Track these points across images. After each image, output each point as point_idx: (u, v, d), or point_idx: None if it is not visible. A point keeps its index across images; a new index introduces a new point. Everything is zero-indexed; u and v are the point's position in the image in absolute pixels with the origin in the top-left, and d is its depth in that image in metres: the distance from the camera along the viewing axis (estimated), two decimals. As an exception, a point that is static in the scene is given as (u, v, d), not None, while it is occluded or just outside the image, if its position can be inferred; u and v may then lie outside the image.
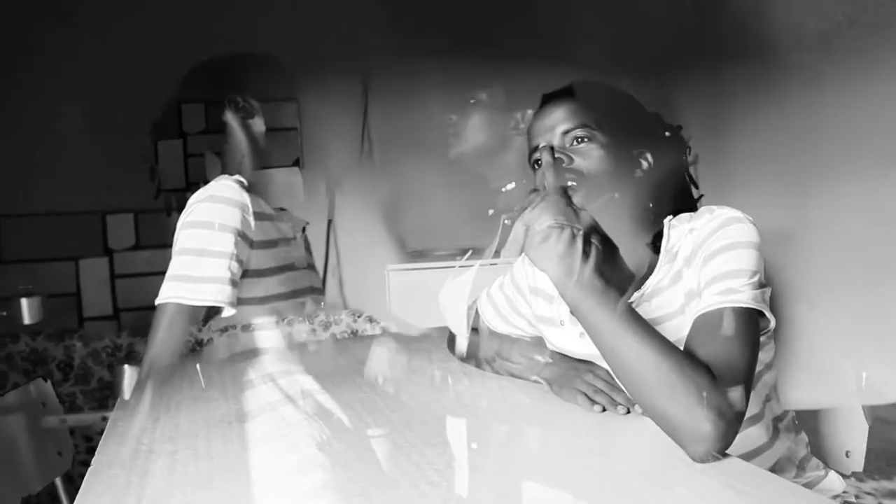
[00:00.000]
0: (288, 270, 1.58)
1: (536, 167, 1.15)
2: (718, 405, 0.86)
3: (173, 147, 2.56)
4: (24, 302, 2.25)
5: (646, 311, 1.09)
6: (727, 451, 0.88)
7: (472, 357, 1.40)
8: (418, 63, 3.04)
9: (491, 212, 1.01)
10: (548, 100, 1.18)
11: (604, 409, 1.07)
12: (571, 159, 1.11)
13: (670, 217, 1.14)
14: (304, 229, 1.87)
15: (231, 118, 1.89)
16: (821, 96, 2.46)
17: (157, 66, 2.65)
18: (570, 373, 1.15)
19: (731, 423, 0.86)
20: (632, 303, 1.10)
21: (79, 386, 2.22)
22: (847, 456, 1.20)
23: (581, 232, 0.95)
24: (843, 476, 1.19)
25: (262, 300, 1.52)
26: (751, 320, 0.96)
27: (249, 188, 1.55)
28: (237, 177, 1.56)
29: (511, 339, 1.35)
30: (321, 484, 0.89)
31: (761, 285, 0.99)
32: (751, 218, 1.06)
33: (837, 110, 2.39)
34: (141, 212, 2.71)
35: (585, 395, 1.10)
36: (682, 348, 0.96)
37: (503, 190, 1.12)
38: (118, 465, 0.99)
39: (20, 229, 2.55)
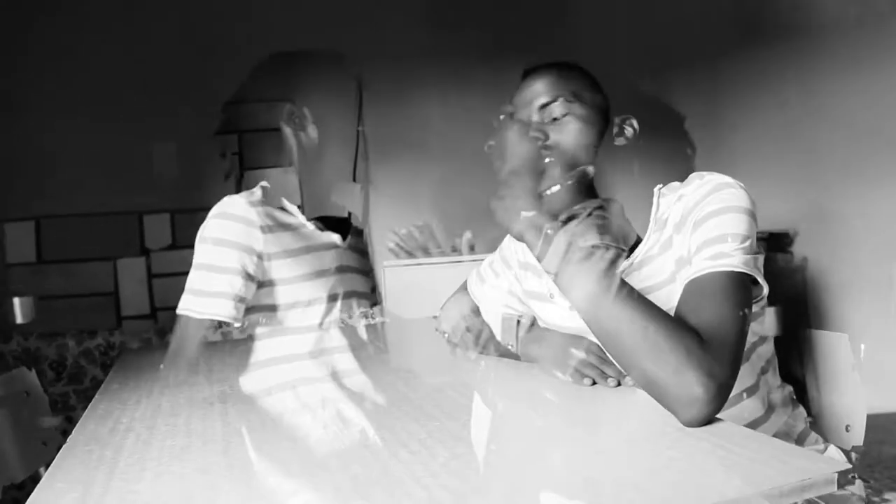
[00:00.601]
0: (321, 276, 1.58)
1: None
2: (708, 368, 0.83)
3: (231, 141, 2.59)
4: (16, 301, 2.23)
5: (636, 279, 1.07)
6: (718, 416, 0.85)
7: (461, 337, 1.37)
8: (414, 63, 3.04)
9: (531, 214, 0.98)
10: (527, 74, 1.18)
11: (594, 383, 1.05)
12: (547, 136, 1.10)
13: (660, 185, 1.12)
14: (361, 233, 1.91)
15: (284, 127, 1.91)
16: (821, 86, 2.44)
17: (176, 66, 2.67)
18: (558, 349, 1.12)
19: (721, 386, 0.83)
20: (622, 272, 1.08)
21: (72, 385, 2.20)
22: (847, 430, 1.16)
23: (624, 253, 0.97)
24: (844, 451, 1.16)
25: (290, 306, 1.52)
26: (741, 285, 0.93)
27: (267, 201, 1.60)
28: (251, 191, 1.61)
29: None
30: (297, 452, 0.86)
31: (754, 251, 0.96)
32: (742, 184, 1.03)
33: (838, 100, 2.37)
34: (177, 211, 2.72)
35: (576, 369, 1.07)
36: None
37: (547, 192, 1.09)
38: (94, 441, 0.96)
39: (59, 230, 2.56)
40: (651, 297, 0.96)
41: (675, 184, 1.11)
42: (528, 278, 1.28)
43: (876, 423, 1.23)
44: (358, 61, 2.94)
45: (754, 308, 1.00)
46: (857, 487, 1.08)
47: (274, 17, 2.86)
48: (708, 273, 0.94)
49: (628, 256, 1.10)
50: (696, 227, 1.00)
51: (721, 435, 0.81)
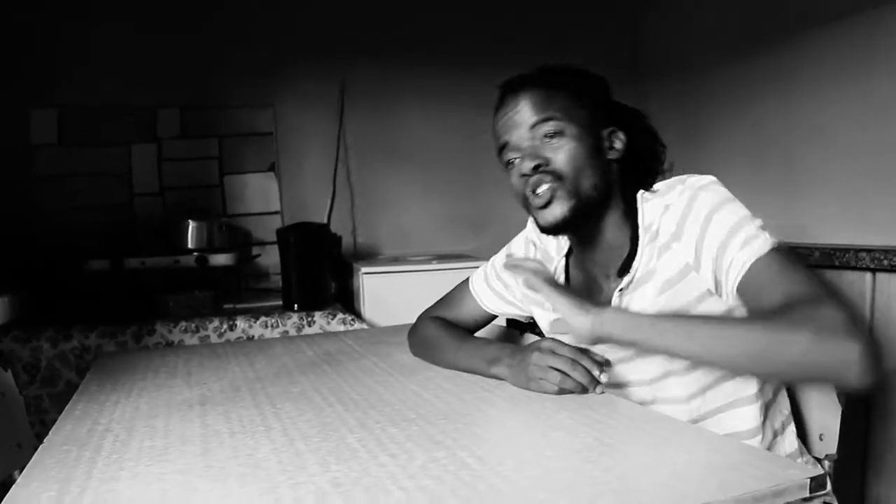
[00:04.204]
0: None
1: (509, 166, 1.13)
2: (832, 322, 0.79)
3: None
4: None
5: (643, 292, 1.08)
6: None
7: (428, 351, 1.37)
8: (395, 70, 3.05)
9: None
10: (510, 89, 1.13)
11: (561, 391, 1.04)
12: (547, 161, 1.08)
13: (641, 191, 1.12)
14: None
15: None
16: (795, 97, 2.48)
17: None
18: (520, 363, 1.11)
19: (853, 326, 0.79)
20: (622, 289, 1.10)
21: (45, 389, 2.17)
22: (821, 439, 1.18)
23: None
24: (818, 460, 1.18)
25: None
26: (786, 252, 0.94)
27: None
28: None
29: (466, 337, 1.33)
30: (277, 454, 0.86)
31: (763, 227, 0.98)
32: (715, 178, 1.06)
33: (812, 110, 2.41)
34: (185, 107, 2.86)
35: (539, 380, 1.07)
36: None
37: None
38: (72, 442, 0.96)
39: (80, 118, 2.76)
40: (665, 297, 1.04)
41: (658, 187, 1.11)
42: None
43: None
44: (339, 68, 2.96)
45: None
46: (829, 496, 1.10)
47: (251, 22, 2.85)
48: (754, 262, 0.93)
49: (627, 270, 1.10)
50: (702, 236, 1.00)
51: (696, 440, 0.83)
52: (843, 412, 1.17)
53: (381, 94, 3.08)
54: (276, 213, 2.95)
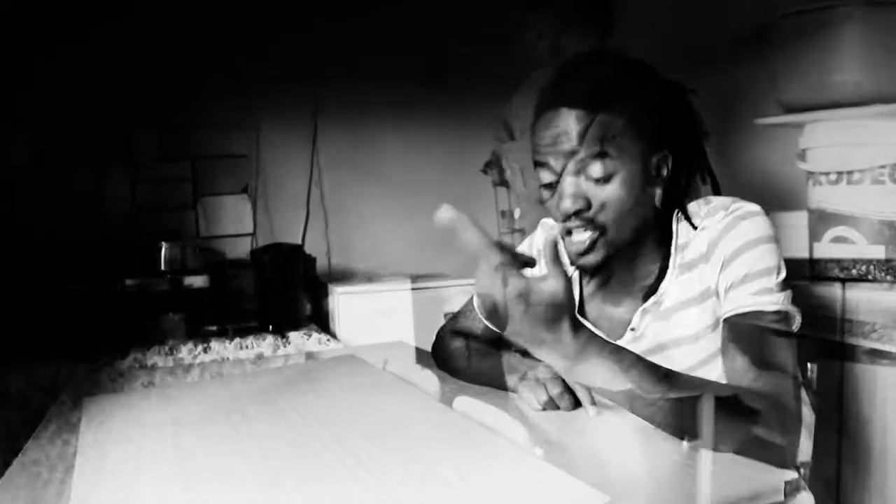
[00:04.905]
0: None
1: (548, 189, 1.03)
2: (789, 426, 0.88)
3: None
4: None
5: (665, 312, 1.07)
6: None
7: (458, 365, 1.31)
8: (368, 92, 3.06)
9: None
10: (562, 96, 0.99)
11: (545, 408, 1.03)
12: (589, 205, 0.99)
13: (678, 211, 1.08)
14: None
15: None
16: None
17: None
18: (524, 378, 1.08)
19: (795, 428, 0.89)
20: (646, 310, 1.08)
21: (15, 413, 2.14)
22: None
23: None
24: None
25: None
26: (782, 322, 0.96)
27: None
28: None
29: (487, 352, 1.26)
30: (253, 472, 0.85)
31: (787, 285, 0.98)
32: (762, 209, 1.03)
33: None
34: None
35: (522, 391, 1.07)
36: (700, 340, 1.01)
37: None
38: (42, 463, 0.94)
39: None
40: (680, 317, 1.03)
41: (693, 208, 1.08)
42: None
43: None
44: (313, 90, 2.97)
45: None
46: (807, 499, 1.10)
47: (226, 43, 2.85)
48: (754, 312, 0.95)
49: (654, 291, 1.07)
50: (726, 264, 0.99)
51: (671, 447, 0.83)
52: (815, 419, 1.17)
53: (354, 115, 3.08)
54: (249, 234, 2.94)
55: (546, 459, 0.84)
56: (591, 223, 0.99)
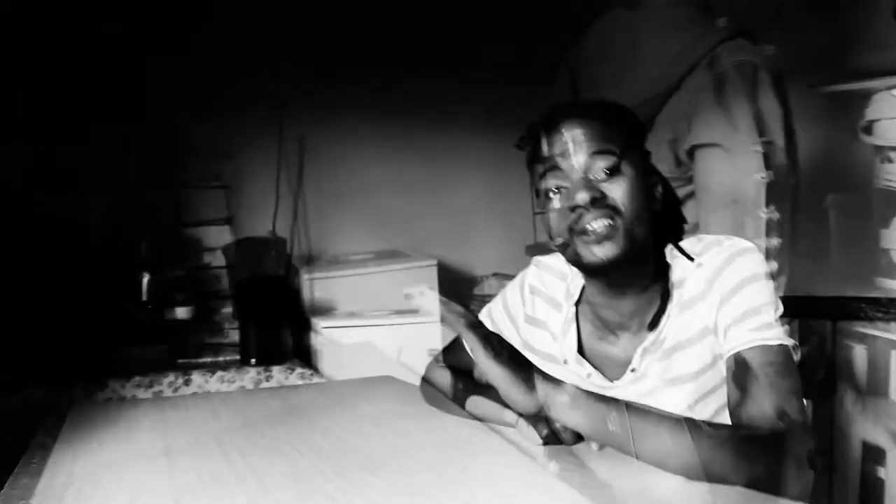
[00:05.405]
0: None
1: (551, 196, 1.06)
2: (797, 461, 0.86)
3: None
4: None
5: (666, 351, 1.06)
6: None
7: (449, 400, 1.26)
8: (353, 125, 3.07)
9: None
10: (566, 114, 1.06)
11: (547, 443, 1.00)
12: (605, 195, 1.01)
13: (670, 246, 1.11)
14: None
15: None
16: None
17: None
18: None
19: (803, 462, 0.87)
20: (647, 350, 1.07)
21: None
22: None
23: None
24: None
25: None
26: (784, 356, 0.96)
27: None
28: None
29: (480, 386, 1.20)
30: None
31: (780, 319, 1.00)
32: (754, 245, 1.05)
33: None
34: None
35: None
36: (699, 378, 1.02)
37: None
38: (29, 496, 0.91)
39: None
40: (681, 354, 1.04)
41: (686, 244, 1.10)
42: (536, 336, 1.22)
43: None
44: (298, 121, 2.97)
45: None
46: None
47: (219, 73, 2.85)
48: (755, 347, 0.96)
49: (655, 327, 1.08)
50: (724, 301, 1.01)
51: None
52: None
53: (339, 148, 3.09)
54: (231, 266, 2.91)
55: (561, 478, 0.84)
56: (607, 208, 1.00)
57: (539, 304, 1.23)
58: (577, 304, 1.18)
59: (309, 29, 2.93)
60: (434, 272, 2.93)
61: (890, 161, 1.77)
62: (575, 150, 1.02)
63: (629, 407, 0.92)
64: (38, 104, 2.58)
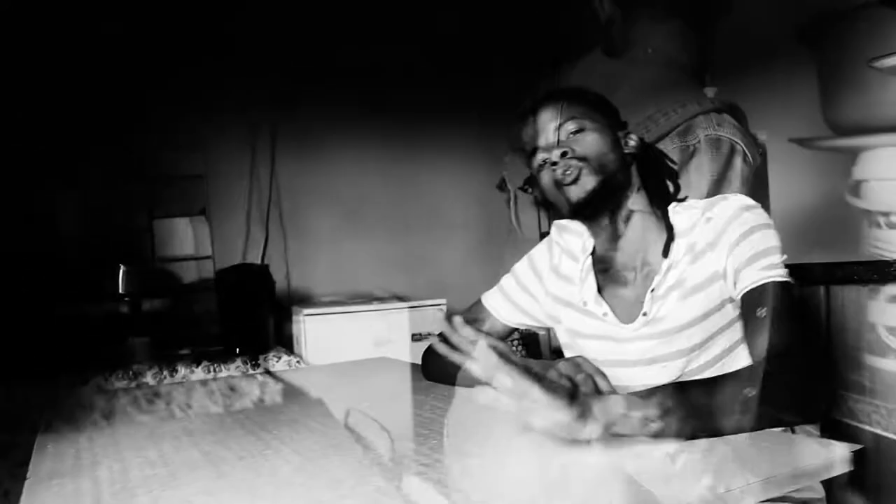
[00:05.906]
0: None
1: (541, 169, 1.21)
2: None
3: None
4: None
5: (676, 296, 1.12)
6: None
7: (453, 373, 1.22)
8: (325, 113, 3.05)
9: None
10: (536, 103, 1.25)
11: None
12: (573, 150, 1.18)
13: (674, 204, 1.21)
14: None
15: None
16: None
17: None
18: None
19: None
20: (656, 295, 1.14)
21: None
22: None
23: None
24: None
25: None
26: (792, 291, 1.05)
27: None
28: None
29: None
30: (303, 472, 0.83)
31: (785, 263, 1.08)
32: (758, 203, 1.15)
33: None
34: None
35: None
36: (708, 319, 1.09)
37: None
38: (59, 476, 0.89)
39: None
40: (688, 301, 1.10)
41: (691, 202, 1.20)
42: (556, 282, 1.30)
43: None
44: (270, 111, 2.94)
45: None
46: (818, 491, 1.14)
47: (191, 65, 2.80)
48: (767, 283, 1.04)
49: (664, 277, 1.15)
50: (733, 248, 1.09)
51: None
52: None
53: (311, 137, 3.06)
54: (207, 257, 2.86)
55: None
56: (575, 159, 1.17)
57: (562, 257, 1.32)
58: (593, 255, 1.27)
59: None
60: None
61: (878, 226, 1.59)
62: (544, 127, 1.22)
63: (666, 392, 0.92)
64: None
